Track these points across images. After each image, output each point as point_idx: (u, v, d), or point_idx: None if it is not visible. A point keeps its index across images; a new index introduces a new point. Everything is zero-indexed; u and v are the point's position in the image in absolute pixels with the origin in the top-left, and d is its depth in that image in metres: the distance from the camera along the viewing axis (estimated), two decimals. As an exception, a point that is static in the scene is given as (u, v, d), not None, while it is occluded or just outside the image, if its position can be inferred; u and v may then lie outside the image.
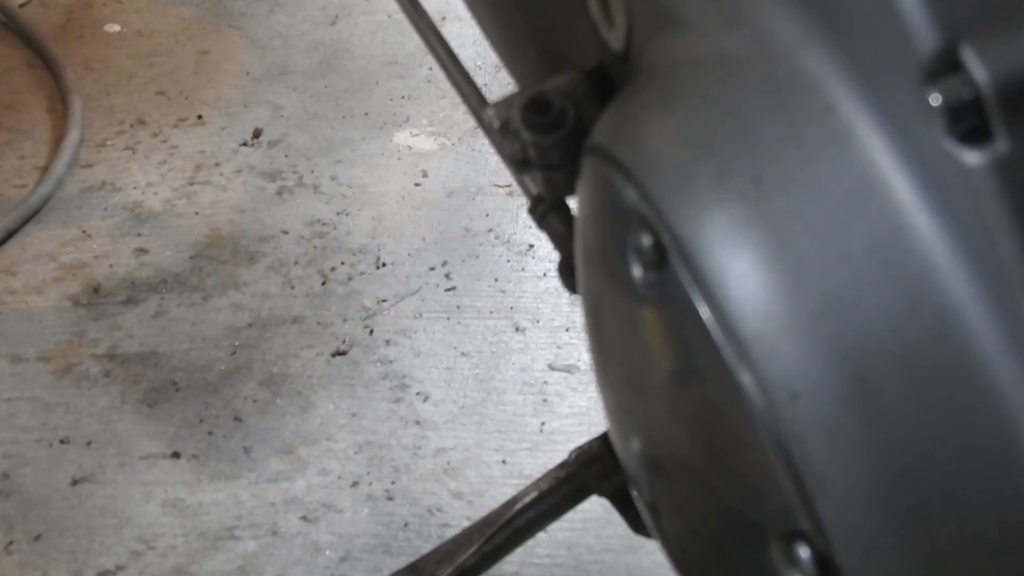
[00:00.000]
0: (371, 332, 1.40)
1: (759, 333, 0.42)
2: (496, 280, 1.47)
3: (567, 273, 0.65)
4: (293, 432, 1.30)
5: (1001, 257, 0.39)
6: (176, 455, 1.28)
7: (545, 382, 1.35)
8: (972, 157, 0.39)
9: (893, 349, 0.41)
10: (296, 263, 1.49)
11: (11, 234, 1.54)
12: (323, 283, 1.47)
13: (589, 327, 0.59)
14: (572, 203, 0.61)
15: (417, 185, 1.61)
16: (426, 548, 0.99)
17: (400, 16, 1.14)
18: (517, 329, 1.41)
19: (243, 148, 1.66)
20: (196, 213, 1.57)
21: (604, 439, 0.88)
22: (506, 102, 0.59)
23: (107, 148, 1.67)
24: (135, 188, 1.61)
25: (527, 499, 0.92)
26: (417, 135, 1.69)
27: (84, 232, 1.54)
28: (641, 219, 0.47)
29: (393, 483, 1.25)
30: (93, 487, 1.25)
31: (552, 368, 1.36)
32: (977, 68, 0.38)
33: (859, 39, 0.42)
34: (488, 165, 1.63)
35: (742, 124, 0.45)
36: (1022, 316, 0.40)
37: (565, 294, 1.42)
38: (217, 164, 1.64)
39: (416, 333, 1.40)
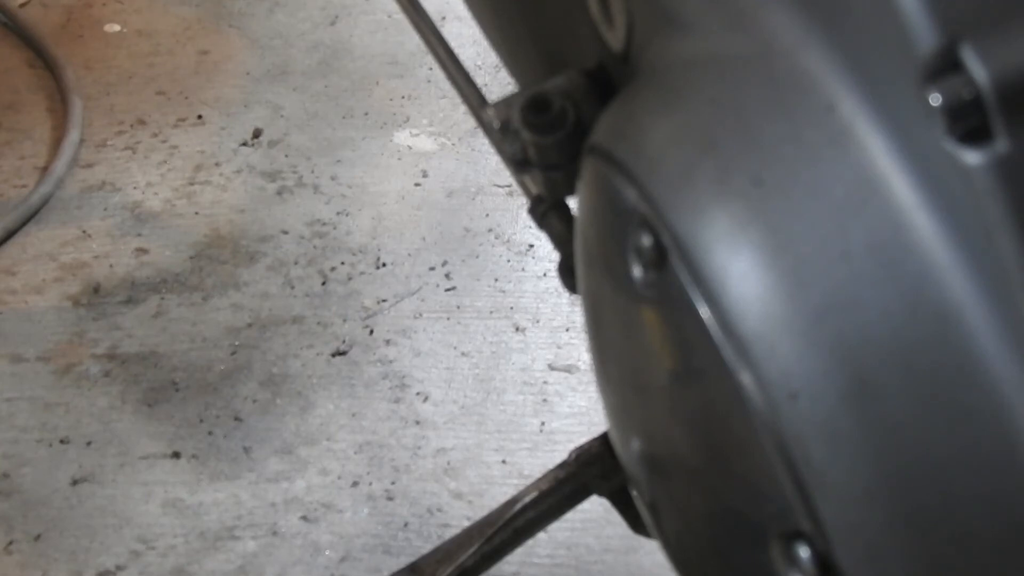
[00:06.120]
0: (371, 332, 1.40)
1: (759, 333, 0.42)
2: (496, 280, 1.47)
3: (567, 273, 0.65)
4: (293, 432, 1.30)
5: (1001, 257, 0.39)
6: (176, 455, 1.28)
7: (545, 382, 1.35)
8: (972, 157, 0.39)
9: (893, 349, 0.41)
10: (296, 263, 1.49)
11: (11, 234, 1.54)
12: (323, 283, 1.47)
13: (589, 327, 0.59)
14: (572, 203, 0.61)
15: (417, 185, 1.61)
16: (426, 548, 0.99)
17: (400, 16, 1.14)
18: (517, 329, 1.41)
19: (243, 148, 1.66)
20: (196, 213, 1.57)
21: (604, 439, 0.88)
22: (506, 102, 0.59)
23: (107, 148, 1.67)
24: (135, 188, 1.61)
25: (527, 499, 0.92)
26: (417, 135, 1.69)
27: (84, 232, 1.54)
28: (641, 219, 0.47)
29: (393, 483, 1.25)
30: (93, 487, 1.25)
31: (552, 368, 1.36)
32: (977, 68, 0.38)
33: (859, 39, 0.42)
34: (488, 165, 1.63)
35: (742, 124, 0.45)
36: (1022, 316, 0.40)
37: (565, 294, 1.42)
38: (217, 164, 1.64)
39: (416, 333, 1.40)
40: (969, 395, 0.41)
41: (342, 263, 1.49)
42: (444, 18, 1.84)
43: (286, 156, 1.65)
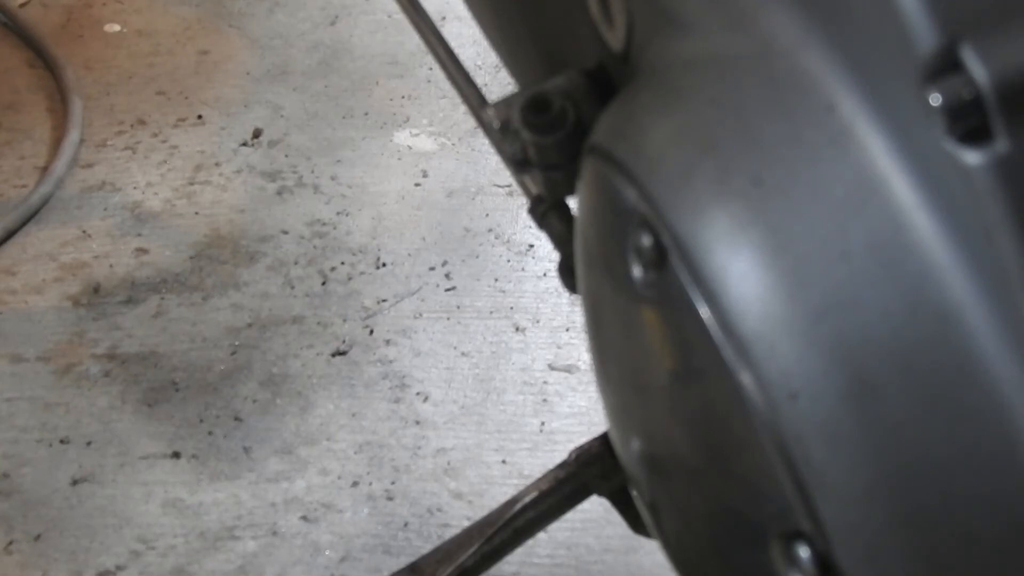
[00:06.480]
0: (371, 332, 1.40)
1: (759, 333, 0.42)
2: (496, 280, 1.47)
3: (567, 273, 0.65)
4: (293, 432, 1.30)
5: (1001, 257, 0.39)
6: (176, 455, 1.28)
7: (545, 382, 1.35)
8: (972, 157, 0.39)
9: (893, 349, 0.41)
10: (296, 263, 1.49)
11: (11, 234, 1.54)
12: (323, 283, 1.47)
13: (589, 327, 0.59)
14: (572, 203, 0.61)
15: (417, 185, 1.61)
16: (426, 548, 0.99)
17: (400, 16, 1.14)
18: (517, 329, 1.41)
19: (243, 148, 1.66)
20: (196, 213, 1.57)
21: (604, 439, 0.88)
22: (506, 102, 0.59)
23: (107, 148, 1.67)
24: (135, 188, 1.61)
25: (527, 499, 0.92)
26: (417, 135, 1.69)
27: (84, 232, 1.54)
28: (641, 219, 0.47)
29: (393, 483, 1.25)
30: (93, 487, 1.25)
31: (552, 368, 1.36)
32: (977, 68, 0.38)
33: (859, 39, 0.42)
34: (488, 165, 1.63)
35: (742, 124, 0.45)
36: (1022, 316, 0.40)
37: (565, 294, 1.42)
38: (217, 164, 1.64)
39: (416, 333, 1.40)
40: (969, 395, 0.41)
41: (342, 263, 1.49)
42: (444, 18, 1.84)
43: (286, 156, 1.65)
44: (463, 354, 1.38)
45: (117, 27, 1.89)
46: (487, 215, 1.56)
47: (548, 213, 0.67)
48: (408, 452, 1.28)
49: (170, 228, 1.55)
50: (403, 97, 1.75)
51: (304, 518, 1.22)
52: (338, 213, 1.56)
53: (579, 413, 1.31)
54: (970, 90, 0.38)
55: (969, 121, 0.38)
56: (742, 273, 0.43)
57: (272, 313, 1.43)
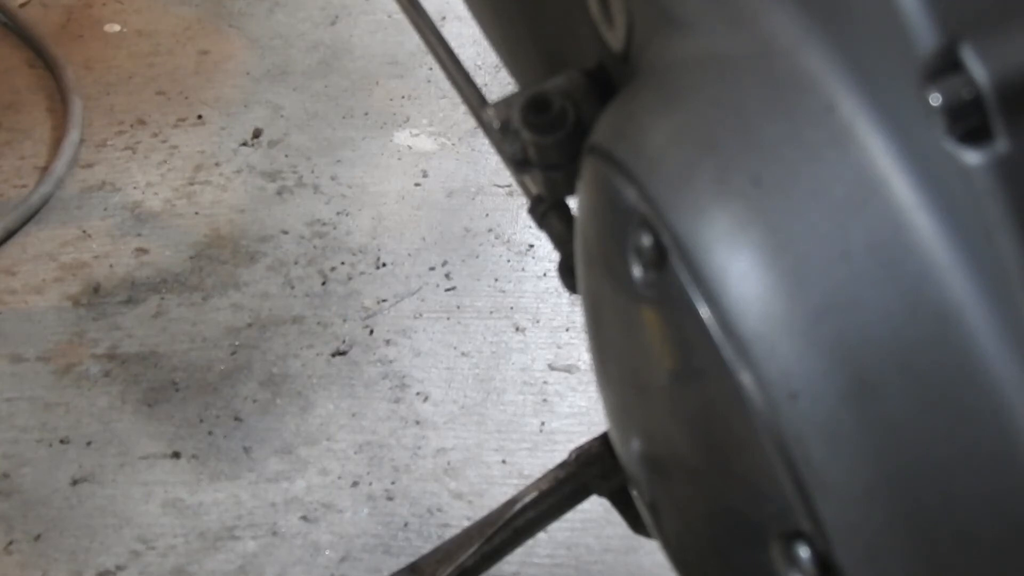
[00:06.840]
0: (371, 332, 1.40)
1: (759, 333, 0.42)
2: (496, 280, 1.47)
3: (567, 273, 0.65)
4: (293, 432, 1.30)
5: (1001, 257, 0.39)
6: (176, 455, 1.28)
7: (545, 382, 1.35)
8: (972, 157, 0.39)
9: (893, 349, 0.41)
10: (296, 263, 1.49)
11: (11, 234, 1.54)
12: (323, 283, 1.47)
13: (589, 327, 0.59)
14: (572, 203, 0.61)
15: (417, 185, 1.61)
16: (426, 548, 0.99)
17: (400, 16, 1.14)
18: (517, 329, 1.41)
19: (243, 148, 1.66)
20: (196, 213, 1.57)
21: (604, 439, 0.88)
22: (506, 102, 0.59)
23: (107, 148, 1.67)
24: (135, 188, 1.61)
25: (527, 499, 0.92)
26: (417, 135, 1.69)
27: (84, 232, 1.54)
28: (641, 219, 0.47)
29: (393, 483, 1.25)
30: (93, 487, 1.25)
31: (552, 368, 1.36)
32: (977, 68, 0.38)
33: (859, 39, 0.42)
34: (488, 165, 1.63)
35: (742, 124, 0.45)
36: (1022, 316, 0.40)
37: (565, 294, 1.42)
38: (217, 164, 1.64)
39: (416, 333, 1.40)
40: (969, 395, 0.41)
41: (342, 263, 1.49)
42: (444, 18, 1.84)
43: (286, 156, 1.65)
44: (463, 354, 1.38)
45: (117, 27, 1.89)
46: (487, 215, 1.56)
47: (548, 213, 0.67)
48: (408, 452, 1.28)
49: (170, 228, 1.55)
50: (403, 97, 1.75)
51: (304, 518, 1.22)
52: (338, 213, 1.56)
53: (579, 413, 1.31)
54: (970, 90, 0.38)
55: (969, 121, 0.38)
56: (742, 273, 0.43)
57: (272, 313, 1.43)
